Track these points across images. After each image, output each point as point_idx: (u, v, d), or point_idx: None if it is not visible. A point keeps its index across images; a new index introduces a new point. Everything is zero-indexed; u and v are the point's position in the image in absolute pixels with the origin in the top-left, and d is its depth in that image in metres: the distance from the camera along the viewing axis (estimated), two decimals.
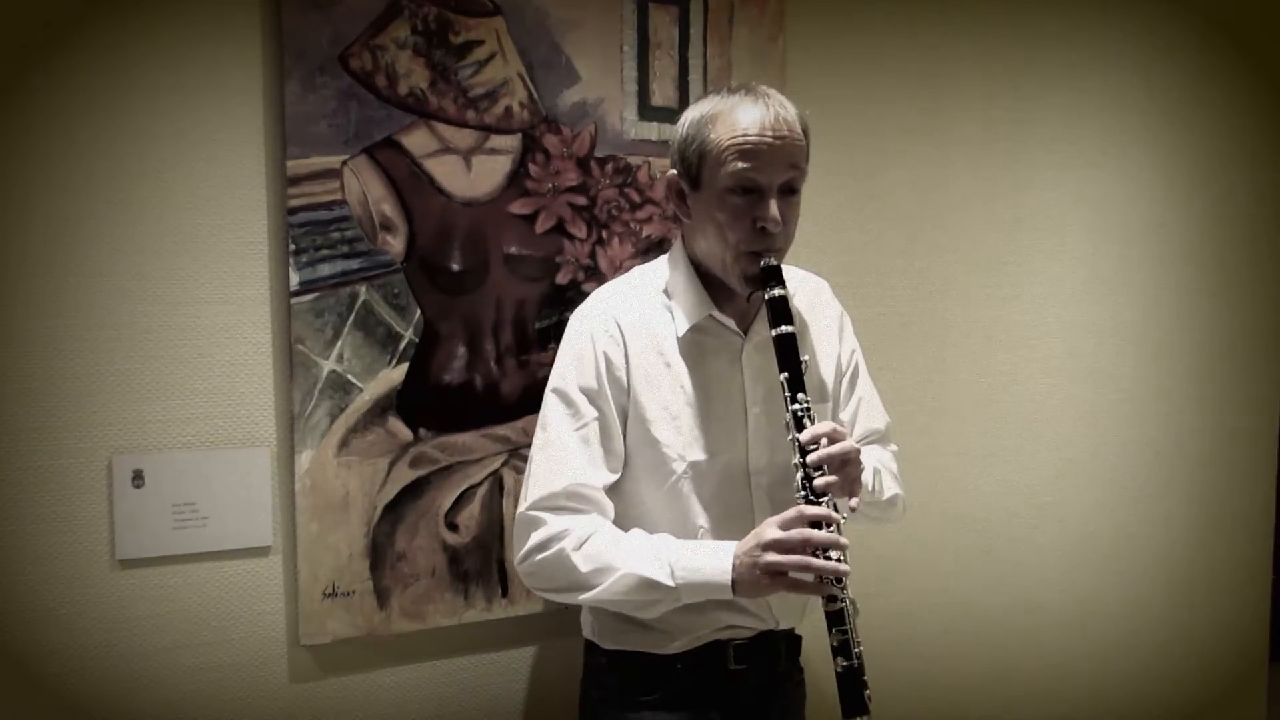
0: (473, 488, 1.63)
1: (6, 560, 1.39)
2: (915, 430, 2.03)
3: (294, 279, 1.50)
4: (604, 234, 1.71)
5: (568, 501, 1.37)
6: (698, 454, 1.41)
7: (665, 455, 1.40)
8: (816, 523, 1.27)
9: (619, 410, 1.40)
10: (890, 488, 1.53)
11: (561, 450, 1.38)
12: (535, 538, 1.36)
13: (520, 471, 1.65)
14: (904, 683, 2.07)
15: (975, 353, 2.14)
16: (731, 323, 1.43)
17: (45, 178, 1.38)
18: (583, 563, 1.33)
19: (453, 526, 1.62)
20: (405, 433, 1.58)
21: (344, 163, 1.52)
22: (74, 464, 1.41)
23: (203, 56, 1.45)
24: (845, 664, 1.29)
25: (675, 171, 1.42)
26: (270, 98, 1.49)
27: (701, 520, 1.41)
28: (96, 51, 1.39)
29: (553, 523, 1.36)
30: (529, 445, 1.64)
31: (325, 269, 1.52)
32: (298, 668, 1.56)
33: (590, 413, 1.39)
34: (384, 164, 1.55)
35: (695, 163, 1.38)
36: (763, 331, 1.42)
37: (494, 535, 1.65)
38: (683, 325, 1.42)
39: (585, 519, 1.37)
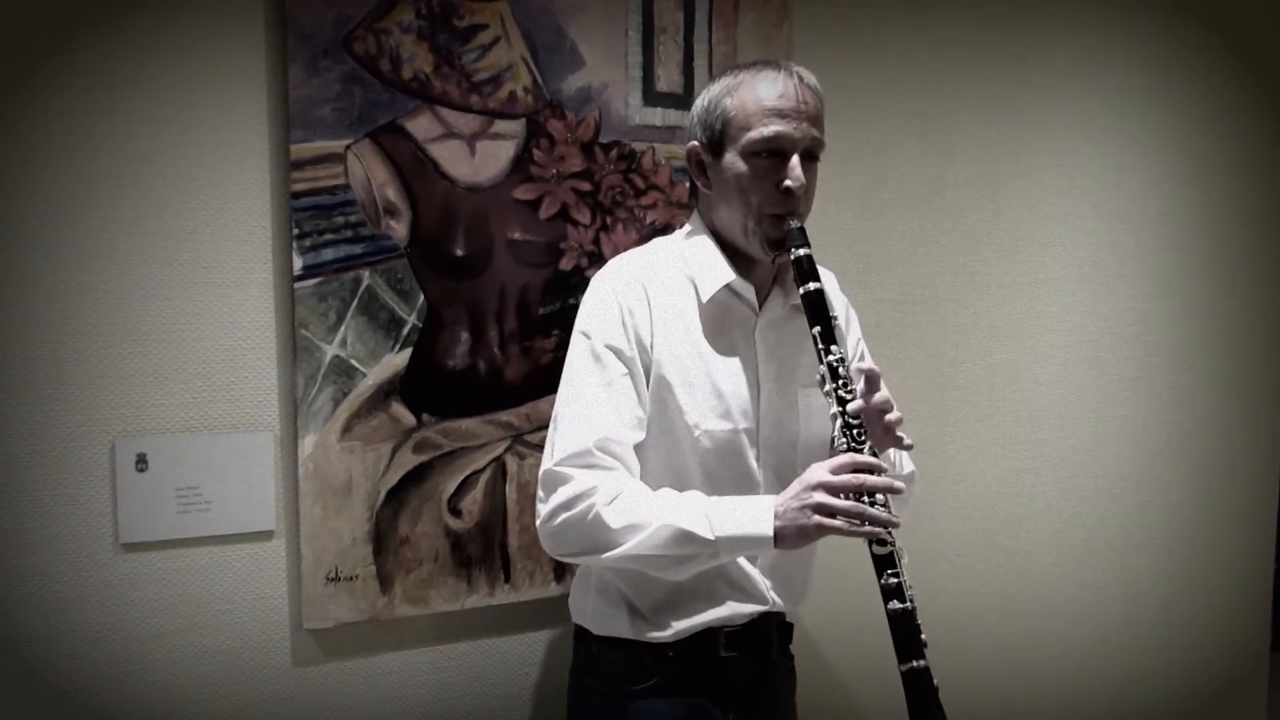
0: (476, 473, 1.63)
1: (10, 544, 1.39)
2: (918, 420, 2.02)
3: (297, 263, 1.50)
4: (608, 220, 1.70)
5: (597, 455, 1.31)
6: (711, 424, 1.38)
7: (682, 421, 1.37)
8: (864, 469, 1.24)
9: (644, 369, 1.37)
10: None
11: (589, 405, 1.34)
12: (562, 494, 1.30)
13: (523, 458, 1.65)
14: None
15: (978, 342, 2.14)
16: (750, 294, 1.42)
17: (48, 163, 1.38)
18: (613, 518, 1.27)
19: (456, 512, 1.62)
20: (408, 418, 1.58)
21: (347, 147, 1.51)
22: (77, 447, 1.42)
23: (205, 40, 1.44)
24: (899, 606, 1.23)
25: (696, 142, 1.42)
26: (273, 81, 1.49)
27: (706, 493, 1.37)
28: (98, 35, 1.39)
29: (581, 479, 1.30)
30: (532, 431, 1.65)
31: (329, 254, 1.52)
32: (300, 652, 1.56)
33: (618, 369, 1.35)
34: (388, 149, 1.54)
35: (719, 129, 1.38)
36: (776, 308, 1.44)
37: (497, 520, 1.65)
38: (706, 292, 1.40)
39: (614, 475, 1.31)
